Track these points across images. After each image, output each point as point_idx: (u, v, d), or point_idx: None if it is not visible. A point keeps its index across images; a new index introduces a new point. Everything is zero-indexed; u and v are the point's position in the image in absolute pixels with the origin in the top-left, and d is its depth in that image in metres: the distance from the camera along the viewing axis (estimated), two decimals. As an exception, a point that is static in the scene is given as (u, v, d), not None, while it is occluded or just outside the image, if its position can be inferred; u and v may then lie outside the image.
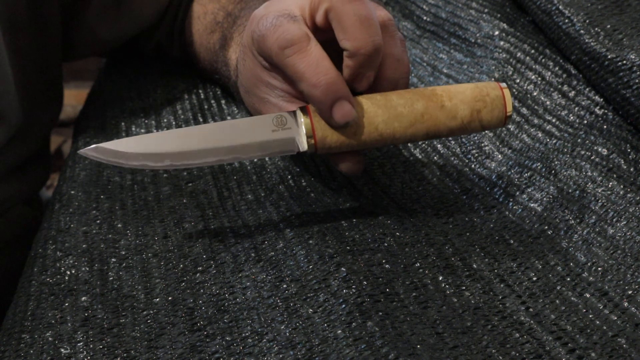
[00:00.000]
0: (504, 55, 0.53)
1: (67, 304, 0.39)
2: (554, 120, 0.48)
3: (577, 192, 0.42)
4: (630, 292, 0.35)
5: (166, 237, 0.43)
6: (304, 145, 0.40)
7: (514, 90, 0.51)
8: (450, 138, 0.49)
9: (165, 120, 0.58)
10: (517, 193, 0.43)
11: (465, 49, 0.57)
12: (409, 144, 0.50)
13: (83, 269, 0.41)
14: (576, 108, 0.49)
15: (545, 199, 0.42)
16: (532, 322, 0.34)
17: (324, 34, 0.39)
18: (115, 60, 0.74)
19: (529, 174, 0.44)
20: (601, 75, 0.47)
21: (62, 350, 0.36)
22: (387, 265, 0.38)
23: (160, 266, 0.41)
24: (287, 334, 0.34)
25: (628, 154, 0.43)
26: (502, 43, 0.54)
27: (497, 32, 0.55)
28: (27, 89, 0.58)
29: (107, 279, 0.40)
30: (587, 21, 0.49)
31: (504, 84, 0.40)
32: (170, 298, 0.38)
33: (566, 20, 0.50)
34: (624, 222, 0.39)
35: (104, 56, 0.77)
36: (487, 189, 0.44)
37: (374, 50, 0.38)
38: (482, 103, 0.39)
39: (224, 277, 0.39)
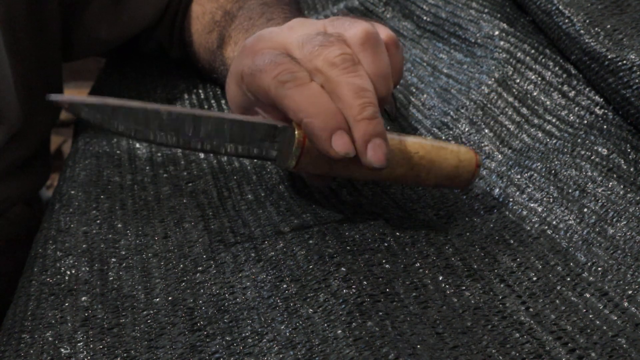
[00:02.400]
0: (504, 55, 0.53)
1: (67, 304, 0.39)
2: (554, 120, 0.48)
3: (577, 192, 0.42)
4: (630, 292, 0.35)
5: (166, 237, 0.43)
6: (286, 161, 0.39)
7: (514, 90, 0.51)
8: (450, 138, 0.49)
9: (165, 120, 0.58)
10: (517, 193, 0.43)
11: (465, 49, 0.57)
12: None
13: (83, 269, 0.41)
14: (576, 108, 0.49)
15: (545, 199, 0.42)
16: (532, 322, 0.34)
17: None
18: (115, 60, 0.74)
19: (529, 174, 0.44)
20: (601, 75, 0.47)
21: (62, 350, 0.36)
22: (387, 265, 0.38)
23: (160, 266, 0.41)
24: (287, 334, 0.34)
25: (628, 154, 0.43)
26: (502, 43, 0.54)
27: (497, 32, 0.55)
28: (27, 89, 0.58)
29: (107, 279, 0.40)
30: (587, 21, 0.49)
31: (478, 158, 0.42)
32: (170, 298, 0.38)
33: (566, 20, 0.50)
34: (624, 222, 0.39)
35: (104, 56, 0.77)
36: (487, 189, 0.44)
37: (371, 116, 0.37)
38: (454, 179, 0.41)
39: (224, 277, 0.39)
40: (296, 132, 0.38)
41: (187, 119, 0.38)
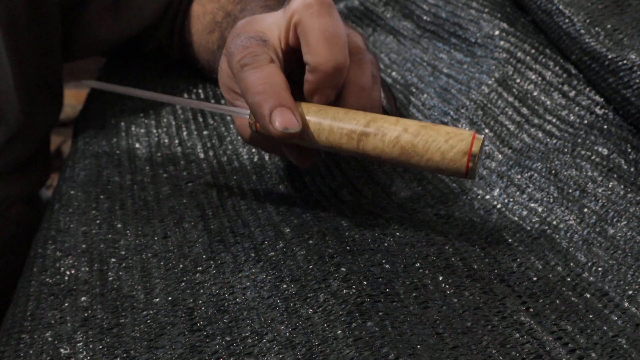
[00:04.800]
0: (504, 55, 0.53)
1: (66, 304, 0.39)
2: (554, 120, 0.48)
3: (578, 192, 0.42)
4: (630, 292, 0.35)
5: (166, 237, 0.43)
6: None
7: (515, 90, 0.51)
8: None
9: (165, 120, 0.58)
10: (517, 193, 0.43)
11: (465, 49, 0.57)
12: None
13: (83, 269, 0.41)
14: (576, 108, 0.49)
15: (545, 199, 0.42)
16: (532, 322, 0.34)
17: (299, 53, 0.39)
18: (115, 60, 0.74)
19: (529, 174, 0.44)
20: (601, 75, 0.47)
21: (62, 350, 0.35)
22: (387, 266, 0.38)
23: (160, 266, 0.41)
24: (287, 334, 0.34)
25: (628, 154, 0.43)
26: (502, 43, 0.54)
27: (497, 32, 0.55)
28: (27, 89, 0.58)
29: (106, 279, 0.40)
30: (588, 21, 0.49)
31: (479, 136, 0.36)
32: (170, 298, 0.38)
33: (566, 20, 0.50)
34: (625, 222, 0.39)
35: (104, 56, 0.77)
36: (487, 189, 0.44)
37: (335, 69, 0.37)
38: (442, 163, 0.37)
39: (224, 277, 0.39)
40: (248, 115, 0.40)
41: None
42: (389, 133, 0.37)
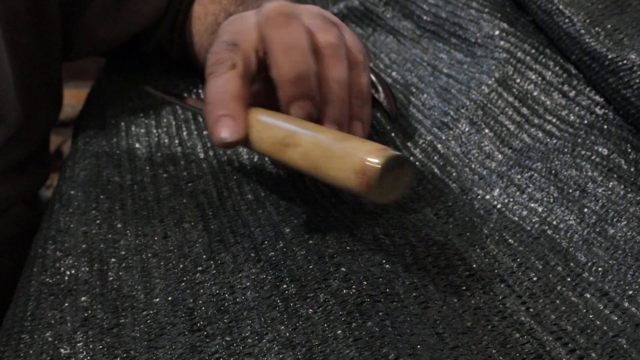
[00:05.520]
0: (504, 55, 0.53)
1: (66, 304, 0.39)
2: (554, 120, 0.48)
3: (578, 192, 0.42)
4: (630, 292, 0.35)
5: (166, 237, 0.43)
6: None
7: (515, 90, 0.51)
8: (450, 138, 0.49)
9: (165, 120, 0.58)
10: (517, 193, 0.43)
11: (465, 49, 0.57)
12: (408, 143, 0.50)
13: (83, 269, 0.41)
14: (576, 108, 0.49)
15: (545, 199, 0.42)
16: (532, 322, 0.34)
17: None
18: (115, 60, 0.74)
19: (529, 174, 0.44)
20: (602, 75, 0.47)
21: (62, 350, 0.35)
22: (387, 265, 0.38)
23: (160, 266, 0.41)
24: (287, 334, 0.34)
25: (628, 154, 0.43)
26: (502, 43, 0.54)
27: (497, 32, 0.55)
28: (27, 89, 0.58)
29: (106, 279, 0.40)
30: (588, 21, 0.49)
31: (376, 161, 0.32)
32: (170, 298, 0.38)
33: (566, 20, 0.50)
34: (625, 222, 0.39)
35: (104, 56, 0.77)
36: (487, 189, 0.44)
37: (297, 78, 0.37)
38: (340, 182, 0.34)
39: (224, 277, 0.39)
40: None
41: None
42: (301, 146, 0.36)
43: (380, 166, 0.32)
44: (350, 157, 0.33)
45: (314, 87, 0.39)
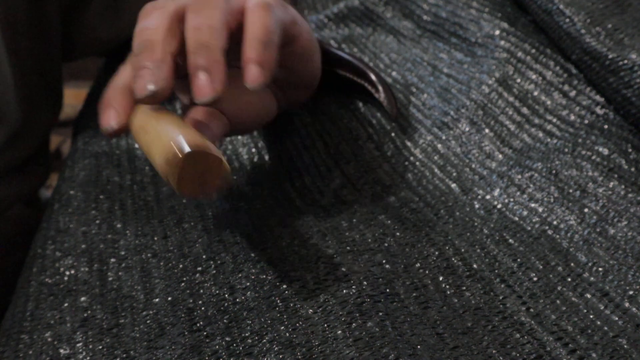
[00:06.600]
0: (505, 55, 0.53)
1: (66, 305, 0.38)
2: (554, 120, 0.48)
3: (578, 192, 0.42)
4: (631, 292, 0.35)
5: (166, 237, 0.43)
6: None
7: (515, 90, 0.51)
8: (450, 138, 0.49)
9: (165, 120, 0.58)
10: (518, 193, 0.43)
11: (465, 49, 0.57)
12: (408, 143, 0.49)
13: (82, 269, 0.41)
14: (577, 108, 0.48)
15: (545, 199, 0.42)
16: (532, 322, 0.34)
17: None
18: (115, 60, 0.74)
19: (529, 174, 0.44)
20: (602, 75, 0.47)
21: (61, 350, 0.35)
22: (387, 266, 0.37)
23: (160, 266, 0.41)
24: (287, 334, 0.34)
25: (629, 154, 0.43)
26: (502, 42, 0.54)
27: (497, 32, 0.55)
28: (26, 89, 0.57)
29: (106, 279, 0.40)
30: (588, 21, 0.49)
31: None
32: (170, 298, 0.38)
33: (567, 20, 0.50)
34: (625, 222, 0.39)
35: (104, 56, 0.77)
36: (488, 189, 0.44)
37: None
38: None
39: (224, 277, 0.39)
40: None
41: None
42: (140, 136, 0.37)
43: (181, 156, 0.32)
44: (162, 144, 0.33)
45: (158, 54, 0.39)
